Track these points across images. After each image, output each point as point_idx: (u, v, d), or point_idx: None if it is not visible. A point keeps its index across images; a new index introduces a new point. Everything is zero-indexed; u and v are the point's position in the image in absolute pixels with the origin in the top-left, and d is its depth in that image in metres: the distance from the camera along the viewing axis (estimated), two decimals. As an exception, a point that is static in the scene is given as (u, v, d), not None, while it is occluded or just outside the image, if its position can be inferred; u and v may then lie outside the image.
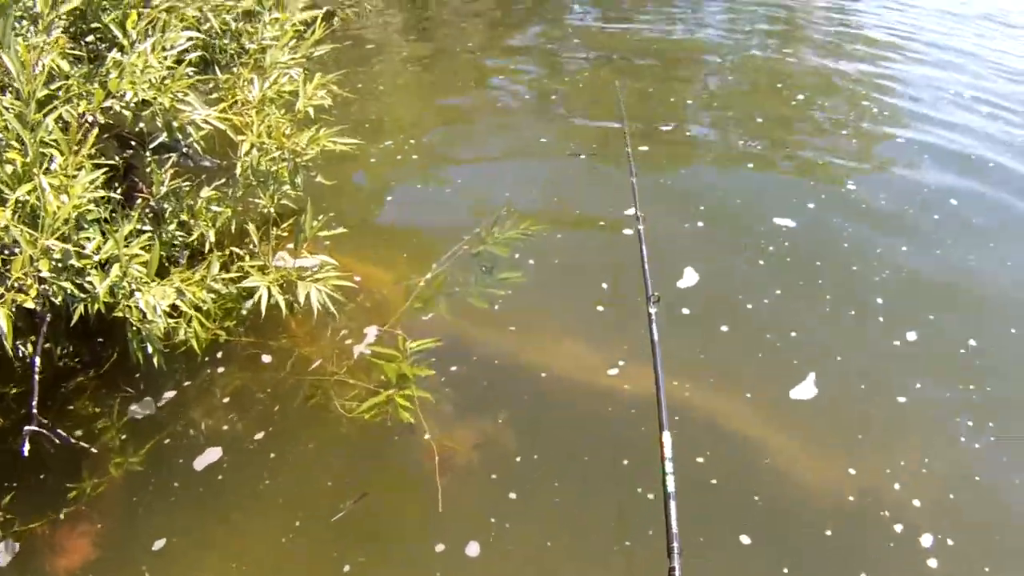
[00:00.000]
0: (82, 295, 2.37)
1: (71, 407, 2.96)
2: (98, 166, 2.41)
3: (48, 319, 2.59)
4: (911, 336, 3.22)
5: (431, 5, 9.42)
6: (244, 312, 3.19)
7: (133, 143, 3.15)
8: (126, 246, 2.46)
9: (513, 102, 6.28)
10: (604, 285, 3.58)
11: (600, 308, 3.43)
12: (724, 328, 3.27)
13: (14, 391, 2.88)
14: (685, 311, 3.37)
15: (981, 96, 5.99)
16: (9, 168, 2.15)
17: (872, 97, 5.99)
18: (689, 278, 3.59)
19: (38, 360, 2.60)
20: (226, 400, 3.00)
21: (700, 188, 4.51)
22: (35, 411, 2.58)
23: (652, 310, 2.53)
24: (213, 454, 2.77)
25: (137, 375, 3.06)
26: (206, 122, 2.94)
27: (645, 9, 9.00)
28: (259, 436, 2.83)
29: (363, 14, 7.35)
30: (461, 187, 4.76)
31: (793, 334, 3.23)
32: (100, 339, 3.15)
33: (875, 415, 2.83)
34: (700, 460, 2.63)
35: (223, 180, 3.29)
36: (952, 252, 3.83)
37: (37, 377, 2.61)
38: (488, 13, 9.24)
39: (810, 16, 8.83)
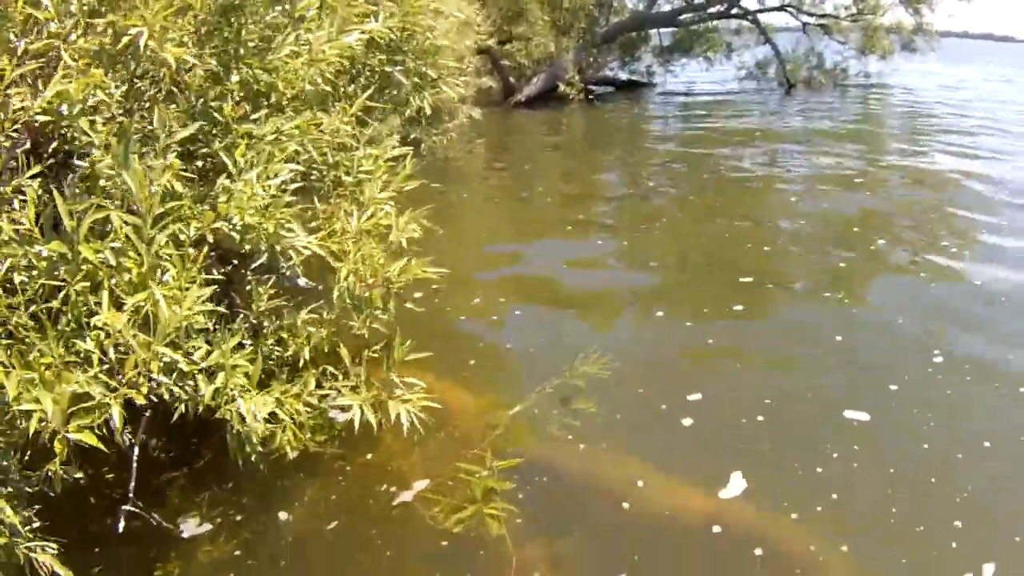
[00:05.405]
0: (186, 396, 2.60)
1: (163, 498, 3.18)
2: (208, 282, 2.70)
3: (147, 413, 2.83)
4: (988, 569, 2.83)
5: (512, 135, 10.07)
6: (336, 428, 3.40)
7: (235, 261, 3.47)
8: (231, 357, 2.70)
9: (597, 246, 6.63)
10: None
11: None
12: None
13: (110, 475, 3.10)
14: (716, 529, 3.07)
15: None
16: (127, 276, 2.46)
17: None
18: (735, 486, 3.31)
19: (136, 449, 2.85)
20: (308, 507, 3.19)
21: (767, 373, 4.49)
22: (132, 494, 2.82)
23: None
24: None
25: (228, 480, 3.29)
26: (306, 248, 3.21)
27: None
28: (338, 546, 2.97)
29: (450, 142, 7.88)
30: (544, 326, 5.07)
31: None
32: (194, 439, 3.41)
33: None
34: None
35: (319, 302, 3.59)
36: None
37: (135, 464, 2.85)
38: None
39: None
